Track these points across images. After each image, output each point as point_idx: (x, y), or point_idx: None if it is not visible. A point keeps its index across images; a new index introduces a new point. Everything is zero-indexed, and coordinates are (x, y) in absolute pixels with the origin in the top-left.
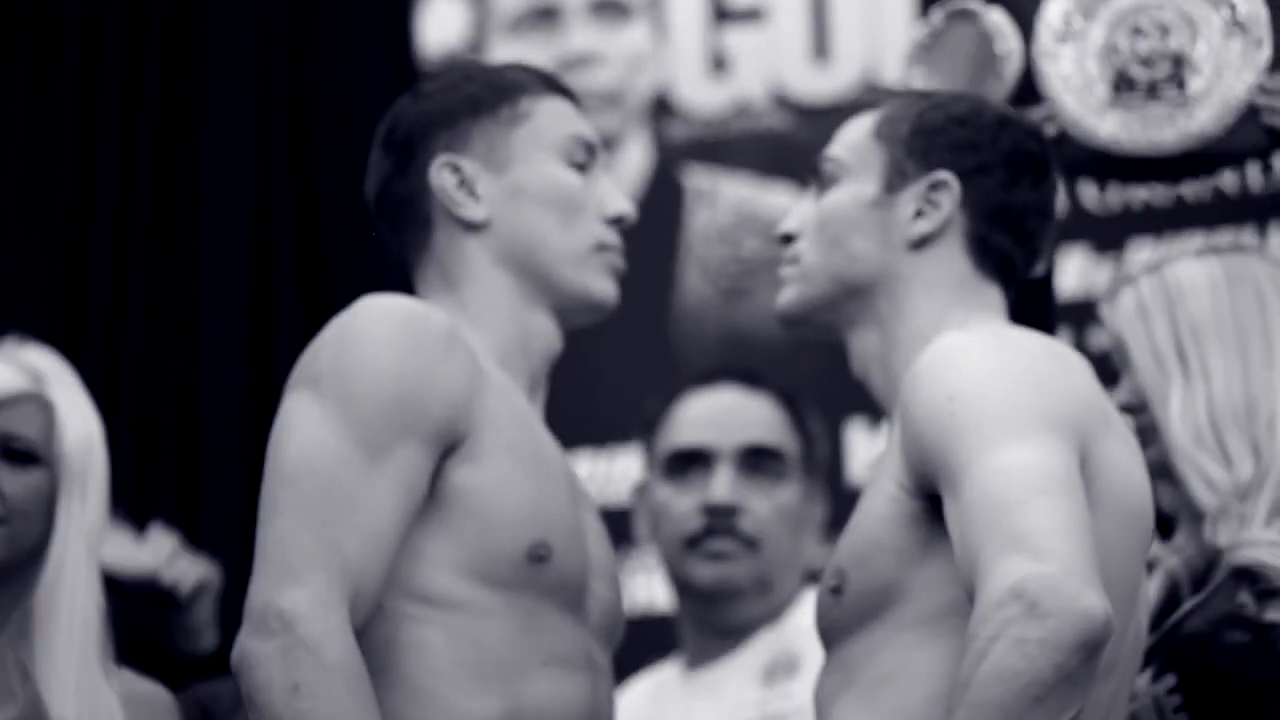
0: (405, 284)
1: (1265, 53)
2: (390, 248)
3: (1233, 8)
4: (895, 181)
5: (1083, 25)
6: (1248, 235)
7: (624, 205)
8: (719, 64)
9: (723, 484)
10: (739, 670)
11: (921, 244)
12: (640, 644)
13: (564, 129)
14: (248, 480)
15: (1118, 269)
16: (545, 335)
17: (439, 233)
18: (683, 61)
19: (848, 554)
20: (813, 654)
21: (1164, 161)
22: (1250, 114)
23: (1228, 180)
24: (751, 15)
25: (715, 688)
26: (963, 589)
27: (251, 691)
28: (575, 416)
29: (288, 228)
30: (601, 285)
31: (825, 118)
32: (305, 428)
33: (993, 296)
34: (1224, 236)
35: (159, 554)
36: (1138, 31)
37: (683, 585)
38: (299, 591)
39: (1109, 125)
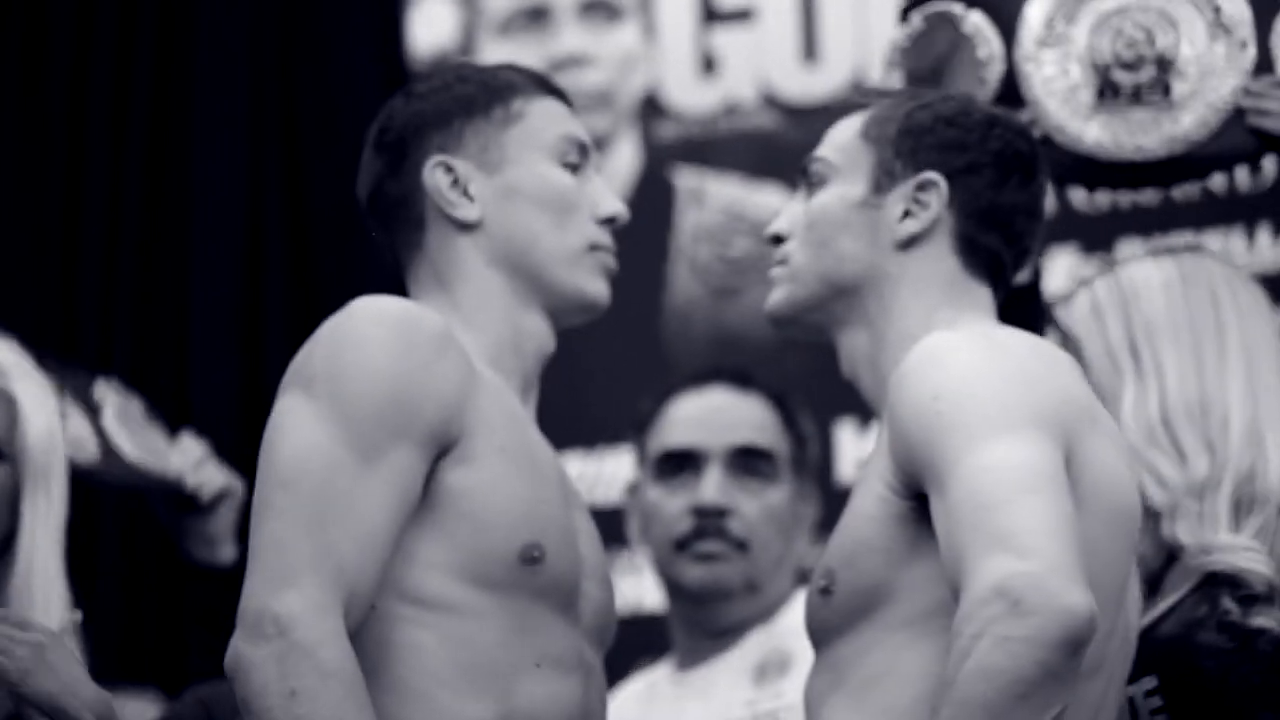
0: (397, 284)
1: (1250, 55)
2: (382, 248)
3: (1217, 9)
4: (883, 182)
5: (1065, 29)
6: (1236, 235)
7: (617, 206)
8: (708, 65)
9: (712, 485)
10: (730, 671)
11: (910, 244)
12: (631, 645)
13: (557, 129)
14: (241, 482)
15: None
16: (538, 335)
17: (432, 233)
18: (672, 62)
19: (837, 554)
20: (804, 654)
21: (1151, 166)
22: (1237, 116)
23: (1216, 181)
24: (741, 16)
25: (706, 688)
26: (949, 588)
27: (247, 696)
28: (566, 417)
29: (278, 228)
30: (595, 285)
31: (814, 118)
32: (298, 430)
33: (982, 296)
34: (1211, 238)
35: (187, 458)
36: (1120, 35)
37: (673, 586)
38: (294, 595)
39: (1094, 131)
